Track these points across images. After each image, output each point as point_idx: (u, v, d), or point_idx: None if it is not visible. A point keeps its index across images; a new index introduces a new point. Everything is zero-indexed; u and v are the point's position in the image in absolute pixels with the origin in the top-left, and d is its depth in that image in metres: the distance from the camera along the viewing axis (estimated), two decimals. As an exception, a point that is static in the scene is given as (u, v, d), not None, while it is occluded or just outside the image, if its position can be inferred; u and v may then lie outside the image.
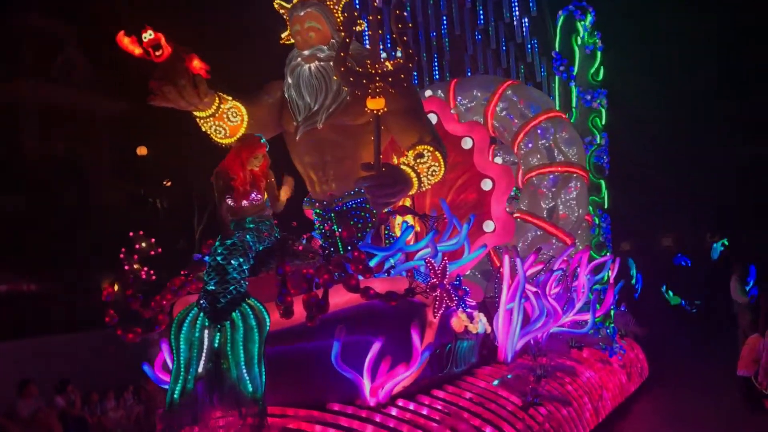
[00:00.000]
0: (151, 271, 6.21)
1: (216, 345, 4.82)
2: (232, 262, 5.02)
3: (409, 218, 6.98)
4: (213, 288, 4.94)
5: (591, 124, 11.88)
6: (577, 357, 8.96)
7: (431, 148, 6.87)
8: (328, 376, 5.64)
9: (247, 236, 5.31)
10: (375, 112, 6.40)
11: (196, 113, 6.48)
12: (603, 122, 11.97)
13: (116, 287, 6.10)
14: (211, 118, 6.54)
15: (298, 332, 5.57)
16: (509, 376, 7.12)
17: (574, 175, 9.83)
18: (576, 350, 9.25)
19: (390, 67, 6.52)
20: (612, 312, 11.18)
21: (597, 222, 11.79)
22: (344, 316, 5.65)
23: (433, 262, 6.25)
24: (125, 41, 5.60)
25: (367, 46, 7.67)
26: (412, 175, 6.64)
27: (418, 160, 6.77)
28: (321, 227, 7.22)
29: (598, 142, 11.88)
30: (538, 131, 9.92)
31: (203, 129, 6.67)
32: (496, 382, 6.87)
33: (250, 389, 4.81)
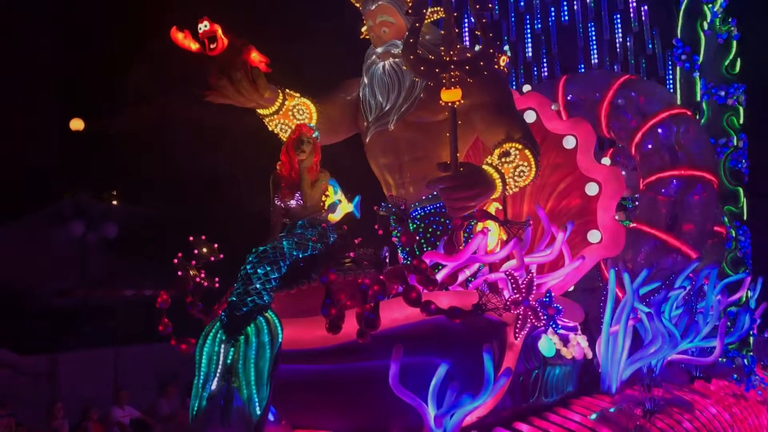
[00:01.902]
0: (215, 279, 5.88)
1: (229, 361, 4.35)
2: (258, 271, 4.55)
3: (491, 225, 6.20)
4: (233, 299, 4.49)
5: (726, 124, 10.49)
6: (702, 390, 7.72)
7: (520, 146, 6.10)
8: (388, 400, 4.98)
9: (284, 242, 4.81)
10: (450, 104, 5.71)
11: (260, 111, 6.10)
12: (740, 121, 10.53)
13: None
14: (276, 116, 6.13)
15: (353, 350, 4.97)
16: (611, 410, 6.14)
17: (701, 180, 8.59)
18: (702, 382, 8.00)
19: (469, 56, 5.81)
20: (751, 338, 9.73)
21: (734, 235, 10.37)
22: (406, 334, 4.99)
23: (515, 275, 5.45)
24: (179, 36, 5.31)
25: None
26: (495, 176, 5.89)
27: (503, 159, 6.02)
28: (398, 235, 6.61)
29: (735, 144, 10.47)
30: (659, 130, 8.79)
31: (269, 128, 6.27)
32: (593, 416, 5.92)
33: (258, 413, 4.28)
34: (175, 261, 5.60)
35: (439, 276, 5.23)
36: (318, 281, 4.68)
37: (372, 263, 4.82)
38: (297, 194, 5.17)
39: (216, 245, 5.92)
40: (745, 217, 10.55)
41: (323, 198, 5.42)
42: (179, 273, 5.55)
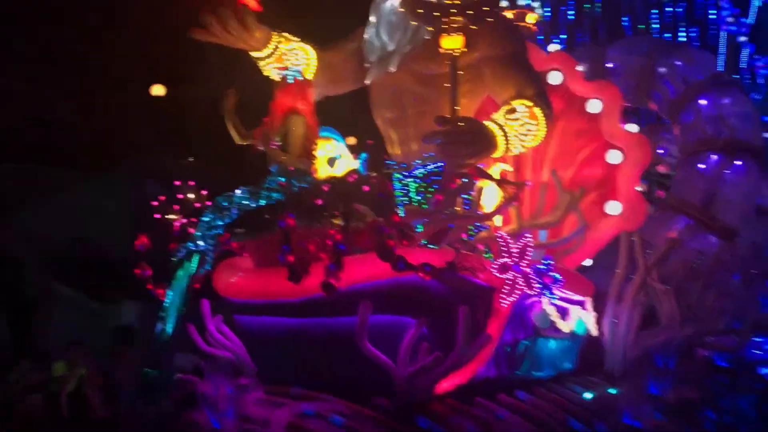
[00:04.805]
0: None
1: (166, 305, 4.30)
2: (203, 218, 4.44)
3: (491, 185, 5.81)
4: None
5: (786, 102, 9.68)
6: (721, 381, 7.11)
7: (529, 104, 5.68)
8: (358, 359, 4.72)
9: (237, 191, 4.67)
10: (451, 52, 5.34)
11: (253, 54, 5.84)
12: (803, 99, 9.71)
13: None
14: (269, 60, 5.86)
15: (323, 304, 4.74)
16: (611, 391, 5.71)
17: (745, 158, 7.90)
18: (728, 371, 7.39)
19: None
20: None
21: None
22: (380, 291, 4.72)
23: (506, 237, 5.09)
24: None
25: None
26: (497, 133, 5.48)
27: (509, 116, 5.61)
28: (402, 194, 6.30)
29: (795, 125, 9.62)
30: (702, 101, 8.12)
31: (264, 73, 6.02)
32: (588, 395, 5.52)
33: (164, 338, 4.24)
34: (155, 203, 5.45)
35: (420, 233, 4.93)
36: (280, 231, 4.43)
37: (341, 214, 4.54)
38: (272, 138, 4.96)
39: (205, 192, 5.76)
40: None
41: (305, 143, 5.18)
42: (157, 216, 5.41)
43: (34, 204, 14.98)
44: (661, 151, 9.95)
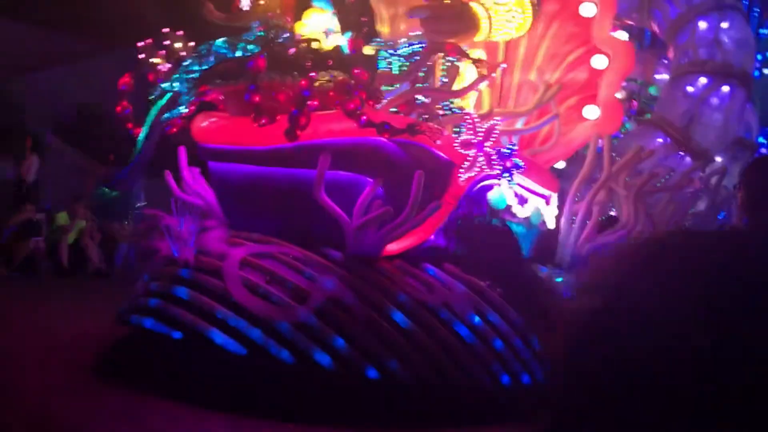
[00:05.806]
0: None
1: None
2: (184, 63, 4.64)
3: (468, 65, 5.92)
4: None
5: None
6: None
7: None
8: (315, 211, 4.98)
9: (218, 41, 4.84)
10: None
11: None
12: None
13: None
14: None
15: (288, 155, 4.97)
16: (558, 279, 6.00)
17: (731, 83, 7.97)
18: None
19: None
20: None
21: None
22: (343, 148, 4.92)
23: (474, 116, 5.26)
24: None
25: None
26: (480, 15, 5.58)
27: (497, 1, 5.69)
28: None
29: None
30: (702, 23, 8.11)
31: None
32: (532, 278, 5.81)
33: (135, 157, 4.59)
34: (140, 44, 5.59)
35: (391, 100, 5.11)
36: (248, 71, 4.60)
37: (312, 65, 4.69)
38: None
39: (194, 44, 5.89)
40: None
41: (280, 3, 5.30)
42: (140, 56, 5.56)
43: (48, 67, 15.30)
44: (658, 77, 10.00)
